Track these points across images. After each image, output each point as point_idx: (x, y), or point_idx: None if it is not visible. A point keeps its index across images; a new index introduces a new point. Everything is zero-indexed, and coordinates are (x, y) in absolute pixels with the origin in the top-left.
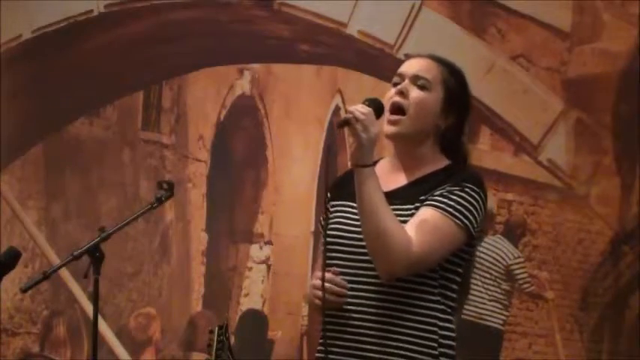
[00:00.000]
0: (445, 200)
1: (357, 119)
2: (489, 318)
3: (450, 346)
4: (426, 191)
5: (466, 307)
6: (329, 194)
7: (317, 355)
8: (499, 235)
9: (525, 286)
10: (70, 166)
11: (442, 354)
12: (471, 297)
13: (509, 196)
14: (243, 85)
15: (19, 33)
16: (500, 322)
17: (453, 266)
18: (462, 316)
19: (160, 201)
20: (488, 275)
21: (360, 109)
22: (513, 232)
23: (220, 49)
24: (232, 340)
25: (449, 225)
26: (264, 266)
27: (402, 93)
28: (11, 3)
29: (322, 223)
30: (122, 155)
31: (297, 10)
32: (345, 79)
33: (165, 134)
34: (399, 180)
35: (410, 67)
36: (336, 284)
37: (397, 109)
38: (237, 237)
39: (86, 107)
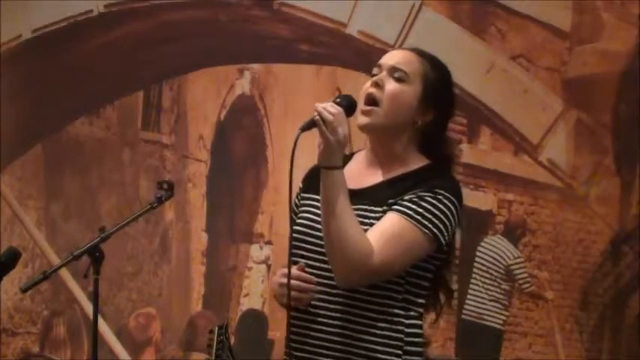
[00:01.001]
0: (414, 207)
1: (324, 120)
2: (489, 318)
3: (416, 353)
4: (396, 194)
5: (466, 307)
6: (300, 185)
7: (284, 357)
8: (499, 235)
9: (525, 286)
10: (70, 166)
11: (407, 352)
12: (470, 297)
13: (509, 196)
14: (243, 85)
15: (19, 33)
16: (500, 322)
17: (420, 271)
18: (462, 316)
19: (160, 201)
20: (488, 275)
21: (329, 109)
22: (513, 232)
23: (220, 49)
24: (232, 340)
25: (415, 234)
26: (264, 266)
27: (377, 84)
28: (11, 3)
29: (292, 216)
30: (122, 155)
31: (297, 10)
32: (344, 79)
33: (165, 134)
34: (372, 177)
35: (389, 58)
36: (303, 280)
37: (371, 101)
38: (237, 237)
39: (86, 107)
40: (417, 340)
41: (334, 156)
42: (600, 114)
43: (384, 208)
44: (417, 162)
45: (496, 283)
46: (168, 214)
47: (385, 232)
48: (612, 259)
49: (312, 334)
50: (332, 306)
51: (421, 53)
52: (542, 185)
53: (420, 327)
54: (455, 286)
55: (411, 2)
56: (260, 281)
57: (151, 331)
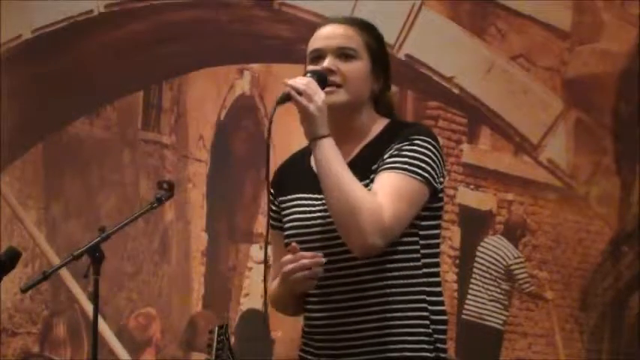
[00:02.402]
0: (398, 159)
1: (297, 90)
2: (489, 318)
3: (442, 322)
4: (375, 159)
5: (466, 307)
6: (272, 191)
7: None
8: (499, 235)
9: (525, 286)
10: (70, 166)
11: (435, 331)
12: (470, 297)
13: (509, 196)
14: (243, 85)
15: (19, 33)
16: (500, 322)
17: (431, 230)
18: (462, 316)
19: (160, 201)
20: (488, 275)
21: (299, 80)
22: (513, 232)
23: (220, 49)
24: (232, 340)
25: (409, 182)
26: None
27: (331, 71)
28: (11, 3)
29: (269, 222)
30: (122, 155)
31: (297, 10)
32: None
33: (165, 134)
34: (347, 155)
35: (329, 39)
36: (303, 257)
37: (333, 85)
38: (237, 237)
39: (86, 107)
40: (441, 307)
41: (317, 125)
42: (600, 114)
43: (371, 177)
44: (379, 124)
45: (496, 283)
46: (168, 214)
47: (383, 189)
48: (612, 259)
49: (327, 314)
50: (351, 287)
51: (353, 22)
52: (542, 185)
53: (441, 295)
54: (456, 281)
55: (411, 2)
56: (260, 281)
57: (151, 331)
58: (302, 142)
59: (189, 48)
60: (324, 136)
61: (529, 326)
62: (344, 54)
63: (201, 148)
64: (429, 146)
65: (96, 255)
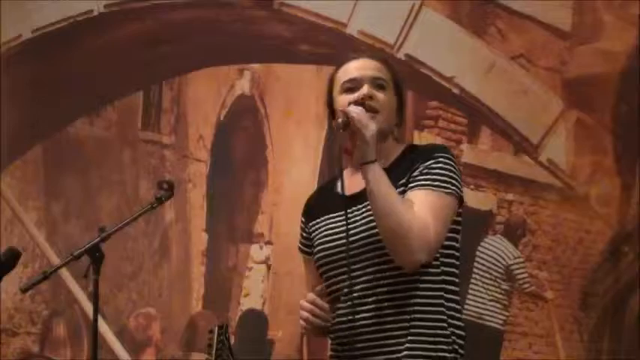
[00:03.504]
0: (428, 177)
1: (357, 119)
2: (489, 318)
3: (460, 337)
4: (402, 174)
5: (466, 307)
6: (303, 219)
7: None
8: (499, 235)
9: (525, 286)
10: (70, 166)
11: (453, 334)
12: (470, 297)
13: (509, 196)
14: (243, 85)
15: (19, 33)
16: (500, 322)
17: (450, 242)
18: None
19: (160, 201)
20: (488, 275)
21: (355, 109)
22: (513, 232)
23: (220, 49)
24: (232, 340)
25: (442, 198)
26: (264, 266)
27: (370, 97)
28: (11, 3)
29: (300, 247)
30: (122, 155)
31: (297, 10)
32: None
33: (165, 134)
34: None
35: (365, 70)
36: (319, 307)
37: (372, 110)
38: (237, 237)
39: (86, 107)
40: (456, 313)
41: (370, 150)
42: (600, 114)
43: (401, 189)
44: (398, 148)
45: (496, 283)
46: (168, 214)
47: (423, 207)
48: (612, 259)
49: (358, 338)
50: (372, 306)
51: (379, 59)
52: (542, 185)
53: (457, 295)
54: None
55: (411, 2)
56: (260, 281)
57: (150, 331)
58: (302, 148)
59: (190, 48)
60: (373, 161)
61: (529, 326)
62: (378, 84)
63: (201, 148)
64: (451, 162)
65: (96, 255)
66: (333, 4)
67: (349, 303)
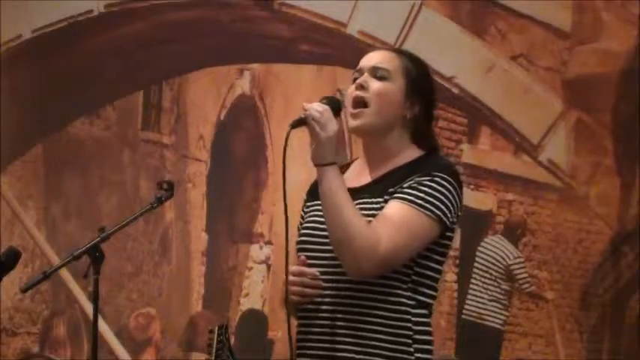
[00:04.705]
0: (414, 192)
1: (313, 118)
2: (489, 318)
3: (425, 342)
4: (395, 183)
5: (466, 307)
6: (305, 197)
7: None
8: (499, 235)
9: (525, 286)
10: (70, 166)
11: (418, 350)
12: (470, 297)
13: (509, 196)
14: (243, 85)
15: (19, 33)
16: (500, 322)
17: (426, 261)
18: (462, 316)
19: (160, 201)
20: (488, 275)
21: (316, 107)
22: (513, 232)
23: (220, 49)
24: (232, 340)
25: (419, 218)
26: (264, 266)
27: (362, 87)
28: (11, 3)
29: (299, 225)
30: (122, 155)
31: (297, 10)
32: (344, 79)
33: (165, 134)
34: (369, 175)
35: (368, 60)
36: (308, 276)
37: (359, 103)
38: (237, 237)
39: (86, 107)
40: (426, 328)
41: (326, 152)
42: (600, 114)
43: (385, 197)
44: (411, 154)
45: (496, 283)
46: (168, 214)
47: (390, 220)
48: (612, 259)
49: (319, 337)
50: (338, 300)
51: (397, 51)
52: (542, 185)
53: (427, 316)
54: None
55: (411, 2)
56: (260, 281)
57: (150, 331)
58: (302, 146)
59: (189, 48)
60: (329, 164)
61: (529, 326)
62: (378, 74)
63: (201, 148)
64: (448, 185)
65: (96, 255)
66: (333, 4)
67: (309, 307)
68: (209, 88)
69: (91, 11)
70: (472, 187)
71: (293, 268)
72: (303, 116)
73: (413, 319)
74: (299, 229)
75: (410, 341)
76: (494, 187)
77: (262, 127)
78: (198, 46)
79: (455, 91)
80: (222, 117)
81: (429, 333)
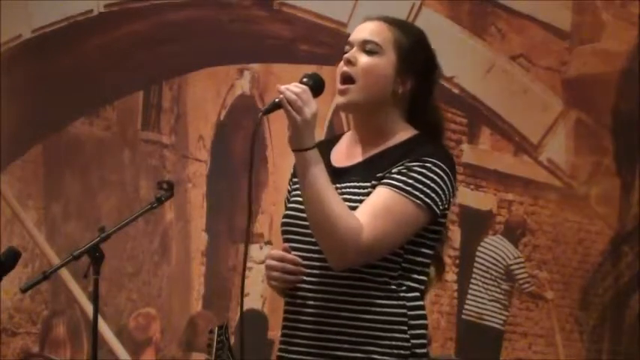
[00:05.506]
0: (402, 178)
1: (288, 101)
2: (489, 318)
3: (420, 326)
4: (384, 167)
5: (466, 307)
6: (292, 171)
7: (279, 348)
8: (499, 235)
9: (525, 286)
10: (70, 166)
11: (413, 336)
12: (470, 297)
13: (509, 196)
14: (243, 85)
15: (19, 33)
16: (500, 322)
17: (417, 247)
18: (462, 316)
19: (159, 201)
20: (488, 275)
21: (293, 89)
22: (513, 232)
23: (220, 49)
24: (232, 340)
25: (406, 206)
26: (264, 266)
27: (349, 62)
28: (11, 3)
29: (285, 201)
30: (122, 155)
31: (297, 10)
32: None
33: (165, 134)
34: (359, 155)
35: (358, 33)
36: (289, 262)
37: (346, 79)
38: (237, 237)
39: (86, 107)
40: (420, 312)
41: (303, 137)
42: (600, 114)
43: (373, 182)
44: (404, 133)
45: (496, 283)
46: (168, 214)
47: (375, 207)
48: (612, 259)
49: (305, 318)
50: (327, 288)
51: (390, 21)
52: (542, 185)
53: (421, 302)
54: (456, 281)
55: (411, 2)
56: (260, 281)
57: (150, 331)
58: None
59: (189, 48)
60: (308, 149)
61: (529, 326)
62: (367, 49)
63: (201, 148)
64: (440, 171)
65: (96, 255)
66: (333, 4)
67: (296, 293)
68: (209, 88)
69: (91, 11)
70: (472, 187)
71: (274, 252)
72: (277, 100)
73: (408, 303)
74: (285, 206)
75: (405, 327)
76: (494, 187)
77: (262, 127)
78: (198, 46)
79: (455, 91)
80: (222, 117)
81: (423, 318)
